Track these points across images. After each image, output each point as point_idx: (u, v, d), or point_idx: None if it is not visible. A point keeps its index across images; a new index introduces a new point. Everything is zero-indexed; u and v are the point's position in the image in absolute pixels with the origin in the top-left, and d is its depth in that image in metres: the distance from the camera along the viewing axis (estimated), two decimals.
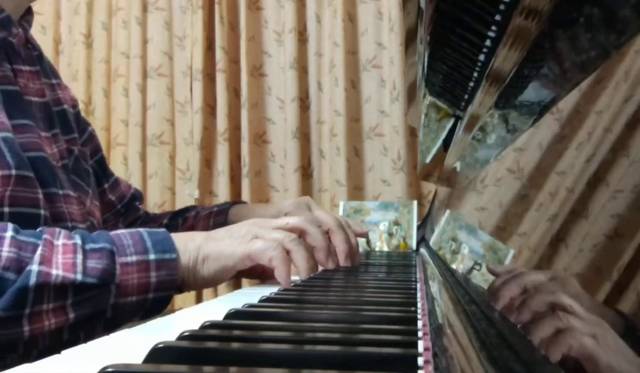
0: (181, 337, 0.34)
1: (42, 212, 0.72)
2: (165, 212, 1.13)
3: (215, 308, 0.51)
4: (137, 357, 0.30)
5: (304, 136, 1.94)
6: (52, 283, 0.57)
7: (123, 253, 0.62)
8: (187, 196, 2.00)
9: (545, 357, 0.28)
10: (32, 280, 0.56)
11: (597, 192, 0.31)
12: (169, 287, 0.63)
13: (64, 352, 0.33)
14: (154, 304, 0.63)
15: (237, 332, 0.36)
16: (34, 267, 0.56)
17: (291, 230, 0.71)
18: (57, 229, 0.62)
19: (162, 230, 0.67)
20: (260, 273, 0.81)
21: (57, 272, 0.57)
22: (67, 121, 0.89)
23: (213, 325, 0.37)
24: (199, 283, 0.67)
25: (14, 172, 0.69)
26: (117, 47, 2.07)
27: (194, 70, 1.98)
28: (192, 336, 0.34)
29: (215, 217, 0.99)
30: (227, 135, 1.94)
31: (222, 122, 1.94)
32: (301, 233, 0.73)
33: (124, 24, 2.05)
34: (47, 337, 0.58)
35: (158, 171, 2.02)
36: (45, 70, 0.88)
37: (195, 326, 0.36)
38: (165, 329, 0.41)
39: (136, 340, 0.37)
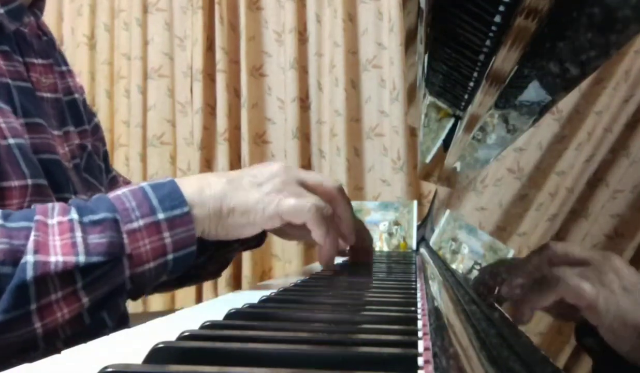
0: (181, 337, 0.34)
1: None
2: None
3: (215, 308, 0.50)
4: (137, 357, 0.30)
5: (304, 136, 1.94)
6: (52, 272, 0.51)
7: (127, 219, 0.55)
8: None
9: (545, 357, 0.28)
10: (30, 273, 0.50)
11: (597, 192, 0.31)
12: (189, 243, 0.58)
13: (64, 352, 0.33)
14: (177, 263, 0.57)
15: (237, 332, 0.36)
16: (29, 258, 0.50)
17: (324, 193, 0.65)
18: (50, 205, 0.56)
19: (168, 180, 0.60)
20: (295, 236, 0.74)
21: (55, 258, 0.51)
22: (79, 112, 0.84)
23: (213, 325, 0.37)
24: (222, 235, 0.62)
25: (29, 181, 0.64)
26: (119, 48, 2.07)
27: (194, 71, 1.98)
28: (192, 336, 0.34)
29: None
30: (227, 135, 1.94)
31: (222, 122, 1.94)
32: (331, 200, 0.66)
33: (125, 26, 2.05)
34: (67, 327, 0.53)
35: (159, 171, 2.02)
36: (56, 58, 0.83)
37: (195, 326, 0.36)
38: (165, 329, 0.41)
39: (136, 340, 0.37)
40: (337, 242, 0.67)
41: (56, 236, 0.52)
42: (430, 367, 0.28)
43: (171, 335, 0.34)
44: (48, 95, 0.76)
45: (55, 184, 0.70)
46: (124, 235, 0.54)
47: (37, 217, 0.53)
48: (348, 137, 1.88)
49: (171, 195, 0.58)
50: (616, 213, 0.28)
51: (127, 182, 1.01)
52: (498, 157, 0.66)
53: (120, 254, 0.54)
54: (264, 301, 0.50)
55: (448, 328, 0.34)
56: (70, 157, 0.77)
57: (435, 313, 0.40)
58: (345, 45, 1.89)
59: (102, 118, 2.05)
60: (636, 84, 0.30)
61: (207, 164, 1.99)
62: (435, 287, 0.56)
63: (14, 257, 0.51)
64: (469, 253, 0.67)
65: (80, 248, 0.52)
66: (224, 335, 0.35)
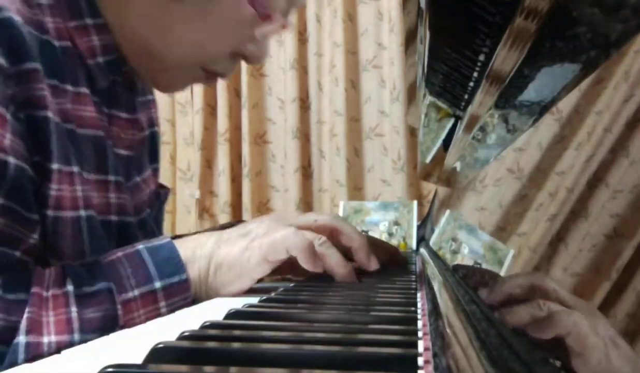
0: (181, 337, 0.34)
1: None
2: None
3: (215, 308, 0.51)
4: (137, 357, 0.29)
5: (304, 136, 1.94)
6: (45, 353, 0.49)
7: (122, 288, 0.53)
8: (188, 196, 2.00)
9: (545, 357, 0.28)
10: (21, 357, 0.48)
11: (597, 192, 0.31)
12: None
13: (64, 352, 0.33)
14: None
15: (237, 332, 0.36)
16: (21, 339, 0.48)
17: (320, 228, 0.62)
18: (47, 272, 0.54)
19: (166, 241, 0.57)
20: (290, 269, 0.68)
21: (49, 339, 0.49)
22: (156, 147, 0.79)
23: (213, 325, 0.37)
24: (211, 295, 0.58)
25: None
26: None
27: None
28: (192, 336, 0.34)
29: None
30: (228, 135, 1.94)
31: (222, 122, 1.94)
32: (333, 233, 0.62)
33: None
34: None
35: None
36: (144, 89, 0.77)
37: (195, 326, 0.36)
38: (165, 329, 0.41)
39: (136, 340, 0.37)
40: (343, 264, 0.61)
41: (50, 311, 0.51)
42: (430, 367, 0.27)
43: (171, 335, 0.33)
44: (122, 151, 0.71)
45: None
46: (119, 306, 0.52)
47: (33, 290, 0.51)
48: (348, 137, 1.89)
49: (169, 260, 0.55)
50: (616, 213, 0.28)
51: None
52: (498, 157, 0.66)
53: (113, 327, 0.52)
54: (264, 301, 0.50)
55: (448, 328, 0.34)
56: (134, 212, 0.72)
57: (435, 313, 0.40)
58: (345, 45, 1.89)
59: None
60: (636, 84, 0.30)
61: (208, 164, 1.99)
62: (435, 287, 0.56)
63: (9, 335, 0.49)
64: (469, 253, 0.67)
65: (76, 324, 0.51)
66: (224, 335, 0.35)
